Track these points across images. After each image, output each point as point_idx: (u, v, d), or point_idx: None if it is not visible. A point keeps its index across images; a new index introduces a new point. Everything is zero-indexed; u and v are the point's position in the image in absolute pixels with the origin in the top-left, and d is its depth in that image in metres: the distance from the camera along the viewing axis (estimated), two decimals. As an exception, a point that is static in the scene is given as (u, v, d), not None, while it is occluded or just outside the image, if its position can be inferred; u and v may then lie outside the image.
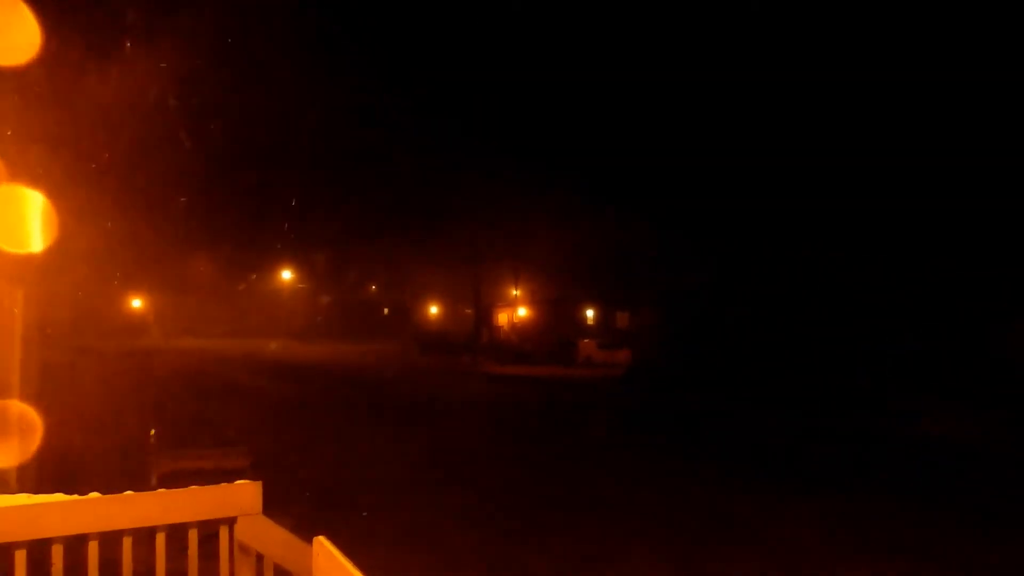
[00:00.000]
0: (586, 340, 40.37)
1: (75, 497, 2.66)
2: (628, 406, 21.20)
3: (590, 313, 47.50)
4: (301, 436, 14.36)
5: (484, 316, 54.23)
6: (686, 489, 9.98)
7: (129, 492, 2.73)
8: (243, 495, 2.86)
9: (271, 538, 2.81)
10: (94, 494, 2.69)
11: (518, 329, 51.07)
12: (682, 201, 36.77)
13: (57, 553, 2.62)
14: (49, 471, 5.99)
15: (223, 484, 2.86)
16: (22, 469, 5.18)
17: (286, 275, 62.72)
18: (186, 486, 2.81)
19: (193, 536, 2.86)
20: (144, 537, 2.78)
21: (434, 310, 70.24)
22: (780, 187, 31.57)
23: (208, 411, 18.35)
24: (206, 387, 24.11)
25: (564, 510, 8.77)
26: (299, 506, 8.39)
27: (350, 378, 29.07)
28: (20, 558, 2.56)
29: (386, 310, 72.03)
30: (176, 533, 2.81)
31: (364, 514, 8.32)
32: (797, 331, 26.65)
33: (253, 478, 2.95)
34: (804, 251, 28.67)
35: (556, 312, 47.48)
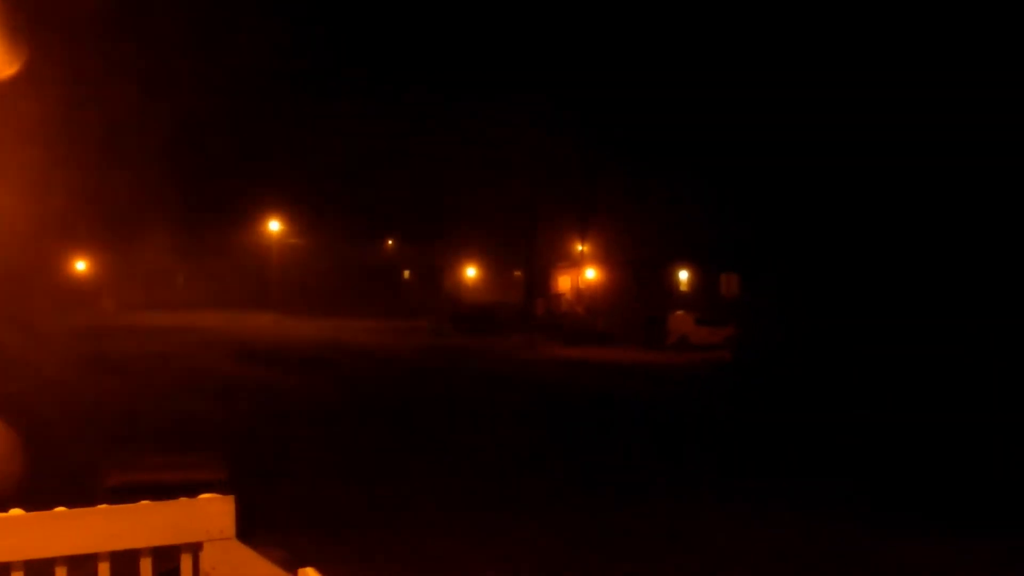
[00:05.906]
0: (679, 313, 40.07)
1: (-8, 514, 2.73)
2: (746, 409, 20.96)
3: (684, 276, 47.10)
4: (298, 447, 14.70)
5: (539, 281, 54.25)
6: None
7: (61, 509, 2.79)
8: (210, 514, 2.90)
9: (247, 569, 2.85)
10: (16, 510, 2.76)
11: (585, 298, 51.01)
12: (815, 118, 35.47)
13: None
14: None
15: (183, 499, 2.91)
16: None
17: (274, 226, 63.66)
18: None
19: (146, 567, 2.92)
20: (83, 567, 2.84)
21: (472, 273, 70.60)
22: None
23: (175, 410, 18.87)
24: (170, 376, 24.74)
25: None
26: (292, 533, 8.58)
27: (359, 368, 29.48)
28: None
29: (407, 273, 72.65)
30: (124, 563, 2.87)
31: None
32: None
33: (226, 493, 2.99)
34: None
35: (637, 275, 47.21)
